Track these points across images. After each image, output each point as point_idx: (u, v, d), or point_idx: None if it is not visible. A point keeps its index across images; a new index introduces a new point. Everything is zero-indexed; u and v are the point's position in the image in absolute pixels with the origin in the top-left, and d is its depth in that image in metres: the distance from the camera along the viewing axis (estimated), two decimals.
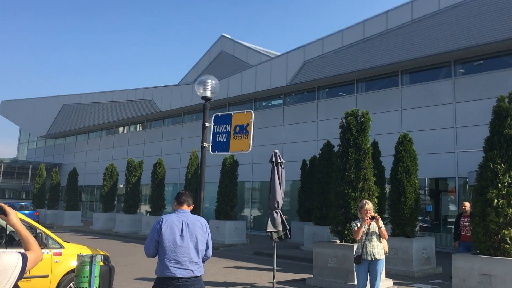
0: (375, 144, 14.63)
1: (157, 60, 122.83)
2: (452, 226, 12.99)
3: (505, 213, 8.10)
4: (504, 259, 7.76)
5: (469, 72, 17.87)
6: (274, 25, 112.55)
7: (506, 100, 9.18)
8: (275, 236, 10.03)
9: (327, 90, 22.96)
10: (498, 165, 8.49)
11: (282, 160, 10.48)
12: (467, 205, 10.65)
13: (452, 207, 17.78)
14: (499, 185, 8.32)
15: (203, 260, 4.85)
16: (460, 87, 17.83)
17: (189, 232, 4.69)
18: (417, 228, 16.58)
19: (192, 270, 4.62)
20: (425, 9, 18.05)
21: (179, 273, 4.56)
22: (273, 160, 10.37)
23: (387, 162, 13.50)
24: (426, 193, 18.75)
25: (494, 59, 17.22)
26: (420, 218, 17.68)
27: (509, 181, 8.33)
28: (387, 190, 14.30)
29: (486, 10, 16.25)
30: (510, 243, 7.92)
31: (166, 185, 26.03)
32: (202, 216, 5.39)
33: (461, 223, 10.56)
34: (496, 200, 8.19)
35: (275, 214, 10.08)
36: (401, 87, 19.66)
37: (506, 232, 7.96)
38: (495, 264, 7.80)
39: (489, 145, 9.00)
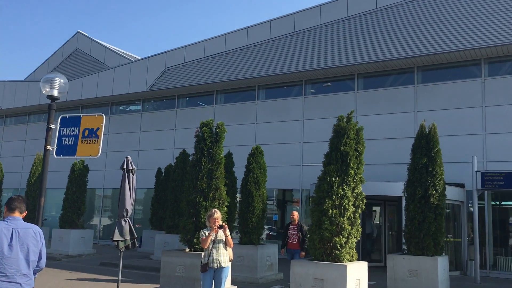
0: (229, 155, 15.10)
1: (2, 54, 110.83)
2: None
3: (337, 222, 8.96)
4: (335, 264, 8.56)
5: (318, 92, 19.48)
6: (136, 28, 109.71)
7: (345, 120, 10.20)
8: (121, 245, 9.72)
9: (187, 99, 23.06)
10: (333, 179, 9.36)
11: (134, 167, 10.24)
12: (296, 214, 11.36)
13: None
14: (334, 196, 9.18)
15: (35, 272, 4.50)
16: (308, 105, 19.34)
17: (19, 242, 4.32)
18: (264, 236, 17.47)
19: (20, 284, 4.26)
20: (282, 29, 19.27)
21: (4, 287, 4.17)
22: (124, 166, 10.09)
23: (240, 172, 14.00)
24: (274, 203, 19.89)
25: (339, 82, 19.05)
26: (267, 226, 18.67)
27: (342, 193, 9.24)
28: (238, 199, 14.83)
29: (333, 37, 17.94)
30: (340, 249, 8.77)
31: (5, 191, 23.50)
32: (45, 225, 5.00)
33: (289, 231, 11.17)
34: (330, 210, 9.01)
35: (123, 223, 9.78)
36: (257, 101, 20.62)
37: (337, 239, 8.80)
38: (327, 269, 8.56)
39: (327, 160, 9.89)
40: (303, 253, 10.75)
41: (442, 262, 10.54)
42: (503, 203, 17.95)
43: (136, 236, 10.16)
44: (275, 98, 20.36)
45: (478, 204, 14.06)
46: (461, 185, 15.14)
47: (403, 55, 16.32)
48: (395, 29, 16.59)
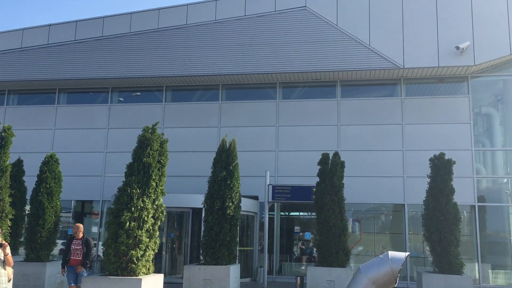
0: (19, 163, 13.59)
1: None
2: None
3: (135, 235, 8.78)
4: (129, 278, 8.34)
5: (127, 101, 18.95)
6: None
7: (150, 131, 10.13)
8: None
9: None
10: (134, 190, 9.18)
11: None
12: (80, 227, 10.16)
13: (95, 229, 18.18)
14: (133, 208, 8.99)
15: None
16: (115, 113, 18.68)
17: None
18: (58, 251, 16.14)
19: None
20: (89, 32, 18.28)
21: None
22: None
23: (33, 182, 12.68)
24: (72, 215, 18.57)
25: (148, 93, 18.88)
26: (61, 241, 17.28)
27: (142, 205, 9.11)
28: (28, 212, 13.42)
29: (143, 46, 17.70)
30: (136, 262, 8.60)
31: None
32: None
33: (72, 246, 9.95)
34: (128, 223, 8.79)
35: None
36: (57, 106, 19.10)
37: (134, 252, 8.61)
38: (120, 284, 8.27)
39: (129, 171, 9.66)
40: (80, 268, 9.73)
41: (234, 270, 11.20)
42: (291, 213, 20.02)
43: None
44: (78, 103, 19.15)
45: (269, 214, 15.43)
46: (255, 197, 16.39)
47: (209, 72, 17.05)
48: (204, 46, 17.24)
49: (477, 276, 15.07)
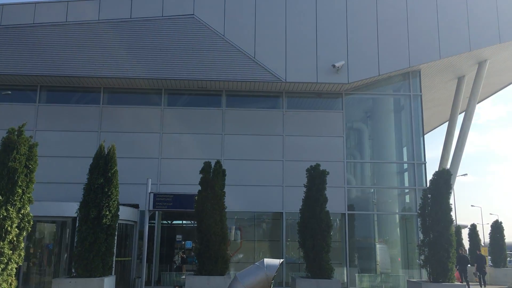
0: None
1: None
2: None
3: None
4: None
5: None
6: None
7: (16, 133, 9.33)
8: None
9: None
10: None
11: None
12: None
13: None
14: None
15: None
16: None
17: None
18: None
19: None
20: None
21: None
22: None
23: None
24: None
25: (21, 92, 17.42)
26: None
27: (5, 214, 8.33)
28: None
29: (16, 42, 16.29)
30: None
31: None
32: None
33: None
34: None
35: None
36: None
37: None
38: None
39: None
40: None
41: (108, 283, 10.70)
42: (174, 222, 19.76)
43: None
44: None
45: (150, 223, 15.03)
46: (136, 206, 15.88)
47: (89, 74, 16.21)
48: (85, 46, 16.31)
49: (345, 280, 16.20)
